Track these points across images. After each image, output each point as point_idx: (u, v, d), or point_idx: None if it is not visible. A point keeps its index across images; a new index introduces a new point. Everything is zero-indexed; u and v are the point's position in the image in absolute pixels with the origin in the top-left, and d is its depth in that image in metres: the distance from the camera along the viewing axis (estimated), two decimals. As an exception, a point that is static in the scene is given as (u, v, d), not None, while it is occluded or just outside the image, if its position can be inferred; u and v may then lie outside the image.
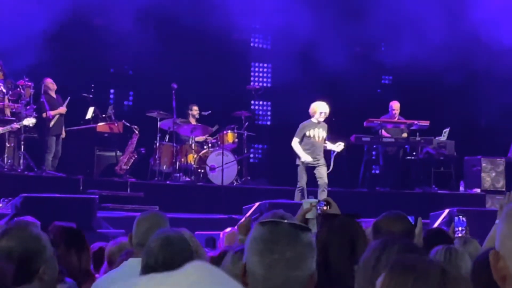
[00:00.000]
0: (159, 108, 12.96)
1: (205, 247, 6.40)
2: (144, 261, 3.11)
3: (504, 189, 13.30)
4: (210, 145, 13.08)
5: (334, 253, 3.01)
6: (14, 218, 7.92)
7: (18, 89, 12.00)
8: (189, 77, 13.96)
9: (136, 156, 13.02)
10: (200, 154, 12.82)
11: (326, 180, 11.04)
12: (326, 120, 11.30)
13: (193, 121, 13.35)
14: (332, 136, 11.78)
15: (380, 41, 16.19)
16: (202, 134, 13.24)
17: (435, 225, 10.13)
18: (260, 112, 16.28)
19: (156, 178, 12.71)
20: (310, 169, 11.13)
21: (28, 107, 11.92)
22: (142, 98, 14.65)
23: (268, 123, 16.33)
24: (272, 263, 2.13)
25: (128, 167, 12.90)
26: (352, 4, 15.17)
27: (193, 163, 12.74)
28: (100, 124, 12.98)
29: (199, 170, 12.73)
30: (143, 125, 13.18)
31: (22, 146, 11.87)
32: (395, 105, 13.67)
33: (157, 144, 12.80)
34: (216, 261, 3.21)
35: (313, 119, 11.08)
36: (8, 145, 11.74)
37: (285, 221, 2.29)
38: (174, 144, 12.84)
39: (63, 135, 12.61)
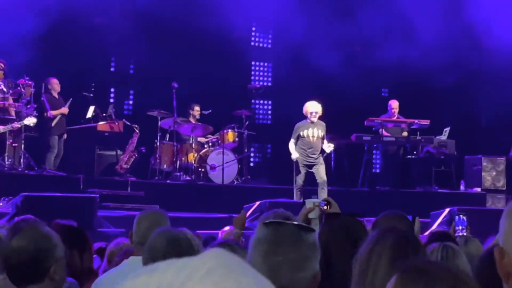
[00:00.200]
0: (160, 107, 12.96)
1: (204, 246, 6.40)
2: (148, 259, 3.09)
3: (504, 188, 13.31)
4: (210, 144, 13.08)
5: (337, 253, 2.99)
6: (14, 217, 7.92)
7: (19, 88, 11.99)
8: (189, 76, 13.96)
9: (136, 155, 13.02)
10: (201, 153, 12.81)
11: (324, 178, 11.07)
12: (325, 119, 11.33)
13: (193, 121, 13.34)
14: (333, 135, 11.78)
15: (380, 39, 16.17)
16: (202, 133, 13.23)
17: (436, 224, 10.13)
18: (261, 111, 16.28)
19: (156, 177, 12.71)
20: (307, 168, 11.17)
21: (28, 106, 11.92)
22: (142, 97, 14.64)
23: (269, 122, 16.33)
24: (276, 265, 2.12)
25: (129, 166, 12.90)
26: (352, 3, 15.15)
27: (193, 162, 12.74)
28: (100, 123, 12.98)
29: (200, 169, 12.73)
30: (144, 124, 13.18)
31: (23, 145, 11.87)
32: (394, 104, 13.68)
33: (158, 143, 12.80)
34: None
35: (308, 119, 11.16)
36: (9, 144, 11.73)
37: (289, 221, 2.28)
38: (175, 143, 12.84)
39: (64, 136, 12.62)
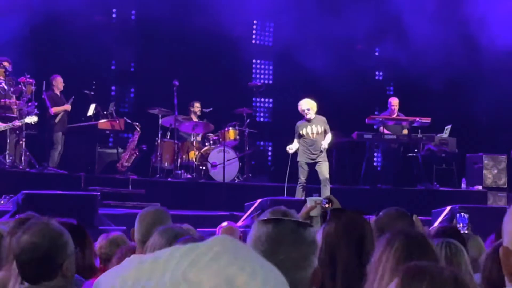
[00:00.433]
0: (161, 105, 12.95)
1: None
2: None
3: (505, 186, 13.31)
4: (211, 142, 13.07)
5: (341, 249, 2.98)
6: (15, 215, 7.91)
7: (20, 86, 11.99)
8: (190, 74, 13.95)
9: (137, 153, 13.01)
10: (202, 151, 12.81)
11: (326, 175, 11.07)
12: (326, 116, 11.33)
13: (194, 118, 13.33)
14: (334, 133, 11.76)
15: (381, 37, 16.16)
16: (203, 131, 13.22)
17: (437, 222, 10.12)
18: (262, 109, 16.27)
19: (157, 175, 12.70)
20: (311, 166, 11.17)
21: (29, 104, 11.92)
22: (143, 95, 14.63)
23: (270, 120, 16.31)
24: (277, 264, 2.09)
25: (130, 164, 12.89)
26: (352, 1, 15.13)
27: (194, 160, 12.74)
28: (101, 121, 12.98)
29: (201, 167, 12.73)
30: (145, 122, 13.17)
31: (24, 143, 11.87)
32: (394, 101, 13.67)
33: (159, 141, 12.80)
34: None
35: (305, 118, 11.19)
36: (10, 142, 11.73)
37: (286, 218, 2.25)
38: (176, 141, 12.83)
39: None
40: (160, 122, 12.88)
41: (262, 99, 16.11)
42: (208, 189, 12.38)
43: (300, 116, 11.37)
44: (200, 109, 13.48)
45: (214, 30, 13.87)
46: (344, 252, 2.96)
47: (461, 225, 5.62)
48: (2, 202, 10.34)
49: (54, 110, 12.40)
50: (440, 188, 13.42)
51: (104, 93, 14.14)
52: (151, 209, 4.02)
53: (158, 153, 12.75)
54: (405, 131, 13.48)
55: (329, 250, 2.97)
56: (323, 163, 11.13)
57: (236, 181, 12.93)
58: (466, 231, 5.36)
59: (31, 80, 12.09)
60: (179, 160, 12.82)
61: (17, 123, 11.52)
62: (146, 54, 14.70)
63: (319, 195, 9.94)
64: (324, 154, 11.19)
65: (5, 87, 11.86)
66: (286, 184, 11.37)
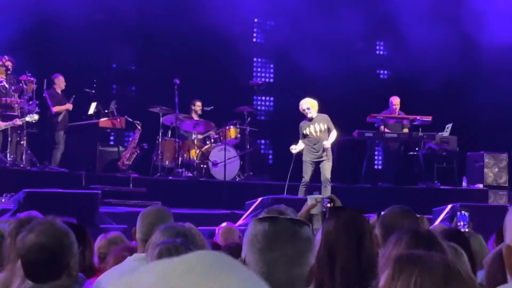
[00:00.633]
0: (162, 104, 12.95)
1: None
2: (152, 255, 3.06)
3: (506, 185, 13.30)
4: (212, 140, 13.07)
5: (340, 246, 2.98)
6: (16, 213, 7.92)
7: (21, 84, 12.00)
8: (191, 73, 13.95)
9: (138, 152, 13.02)
10: (203, 149, 12.81)
11: (327, 176, 11.05)
12: (326, 112, 11.33)
13: (195, 117, 13.34)
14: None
15: (382, 35, 16.17)
16: (204, 130, 13.22)
17: (438, 220, 10.12)
18: (263, 108, 16.27)
19: (158, 174, 12.70)
20: (316, 165, 11.17)
21: (30, 102, 11.92)
22: (144, 93, 14.64)
23: (271, 118, 16.31)
24: (273, 261, 2.10)
25: (131, 163, 12.90)
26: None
27: (195, 159, 12.74)
28: (102, 119, 12.99)
29: (202, 166, 12.73)
30: (146, 120, 13.18)
31: (25, 142, 11.87)
32: (395, 100, 13.66)
33: (160, 140, 12.80)
34: None
35: (306, 117, 11.18)
36: (11, 140, 11.74)
37: (282, 216, 2.26)
38: (177, 140, 12.84)
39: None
40: (161, 121, 12.88)
41: (263, 98, 16.11)
42: (209, 188, 12.39)
43: (302, 116, 11.37)
44: (201, 107, 13.49)
45: (214, 28, 13.87)
46: (343, 250, 2.97)
47: (462, 223, 5.63)
48: (3, 200, 10.35)
49: (55, 109, 12.42)
50: (441, 187, 13.41)
51: (105, 92, 14.15)
52: (153, 208, 4.02)
53: (159, 152, 12.76)
54: (406, 130, 13.48)
55: (328, 248, 2.98)
56: (327, 163, 11.11)
57: (237, 179, 12.93)
58: (467, 229, 5.36)
59: (32, 79, 12.09)
60: (180, 159, 12.83)
61: (18, 122, 11.52)
62: (147, 52, 14.70)
63: (320, 193, 9.94)
64: (328, 153, 11.16)
65: (6, 85, 11.86)
66: (287, 183, 11.36)
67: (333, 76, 14.19)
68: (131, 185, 11.94)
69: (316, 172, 11.22)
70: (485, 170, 13.32)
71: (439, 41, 14.81)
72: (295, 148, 11.16)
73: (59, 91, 12.66)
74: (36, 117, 11.58)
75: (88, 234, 3.98)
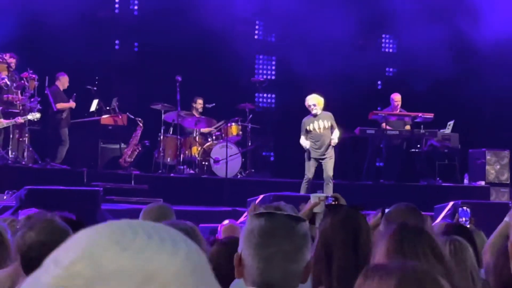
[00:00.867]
0: (163, 101, 12.95)
1: (207, 240, 6.38)
2: None
3: (508, 182, 13.30)
4: (214, 137, 13.07)
5: (337, 244, 2.99)
6: (18, 210, 7.93)
7: (22, 81, 12.00)
8: (193, 70, 13.94)
9: (140, 149, 13.02)
10: (204, 146, 12.81)
11: (329, 174, 11.05)
12: (327, 109, 11.33)
13: (197, 114, 13.34)
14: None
15: (383, 33, 16.15)
16: (206, 127, 13.22)
17: (440, 217, 10.12)
18: (265, 105, 16.26)
19: (160, 171, 12.71)
20: (318, 161, 11.16)
21: (32, 100, 11.93)
22: (146, 90, 14.63)
23: (272, 115, 16.30)
24: (269, 256, 2.10)
25: (132, 160, 12.90)
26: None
27: (197, 156, 12.74)
28: (104, 116, 13.00)
29: (203, 163, 12.73)
30: (147, 117, 13.17)
31: (27, 139, 11.88)
32: (396, 97, 13.65)
33: (161, 137, 12.80)
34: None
35: (311, 113, 11.17)
36: (13, 137, 11.75)
37: (279, 212, 2.27)
38: (178, 137, 12.84)
39: None
40: (162, 118, 12.88)
41: (265, 95, 16.11)
42: (211, 185, 12.39)
43: (303, 111, 11.36)
44: (202, 105, 13.48)
45: (216, 25, 13.86)
46: (340, 247, 2.97)
47: (464, 219, 5.62)
48: (5, 197, 10.36)
49: (58, 106, 12.42)
50: (443, 184, 13.40)
51: (107, 89, 14.14)
52: (155, 205, 4.03)
53: (160, 149, 12.76)
54: (408, 127, 13.47)
55: (325, 245, 2.99)
56: (329, 160, 11.11)
57: (238, 176, 12.93)
58: (468, 225, 5.35)
59: (34, 76, 12.10)
60: (181, 156, 12.83)
61: (20, 120, 11.53)
62: (149, 49, 14.69)
63: (323, 192, 9.94)
64: (330, 151, 11.16)
65: (8, 82, 11.87)
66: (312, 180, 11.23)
67: (335, 73, 14.18)
68: (133, 182, 11.95)
69: (318, 169, 11.21)
70: (487, 167, 13.31)
71: (441, 38, 14.78)
72: (305, 145, 11.12)
73: (61, 89, 12.66)
74: (38, 115, 11.59)
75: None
